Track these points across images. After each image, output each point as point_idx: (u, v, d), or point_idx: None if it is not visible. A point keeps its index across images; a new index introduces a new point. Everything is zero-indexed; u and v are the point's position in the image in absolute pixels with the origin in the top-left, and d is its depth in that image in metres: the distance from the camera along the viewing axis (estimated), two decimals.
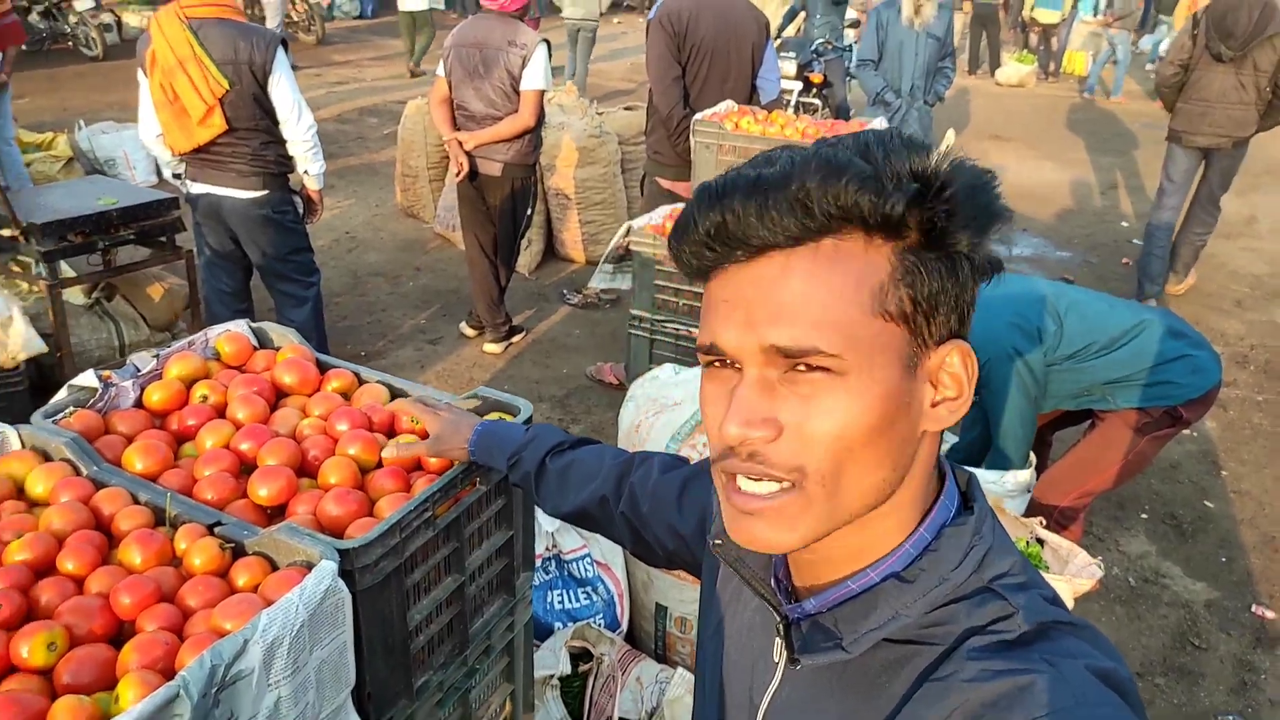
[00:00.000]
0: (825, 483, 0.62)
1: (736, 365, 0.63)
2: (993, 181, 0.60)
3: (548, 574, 2.49)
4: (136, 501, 1.30)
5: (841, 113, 8.36)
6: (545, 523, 2.39)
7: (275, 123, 3.38)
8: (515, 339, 4.65)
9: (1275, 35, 4.52)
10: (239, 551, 1.23)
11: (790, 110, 7.20)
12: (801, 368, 0.60)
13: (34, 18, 10.46)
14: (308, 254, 3.77)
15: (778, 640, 0.72)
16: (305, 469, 1.44)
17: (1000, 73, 12.99)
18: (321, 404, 1.55)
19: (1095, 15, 14.01)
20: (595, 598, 2.50)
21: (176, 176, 3.53)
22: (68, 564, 1.18)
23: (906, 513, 0.66)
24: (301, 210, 3.71)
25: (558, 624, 2.44)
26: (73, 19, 10.56)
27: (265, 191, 3.44)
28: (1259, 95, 4.66)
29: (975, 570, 0.64)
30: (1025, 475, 2.48)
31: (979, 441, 2.96)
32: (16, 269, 3.92)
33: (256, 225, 3.51)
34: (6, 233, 3.66)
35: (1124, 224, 7.08)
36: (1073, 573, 2.17)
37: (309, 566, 1.15)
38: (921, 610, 0.63)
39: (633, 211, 5.73)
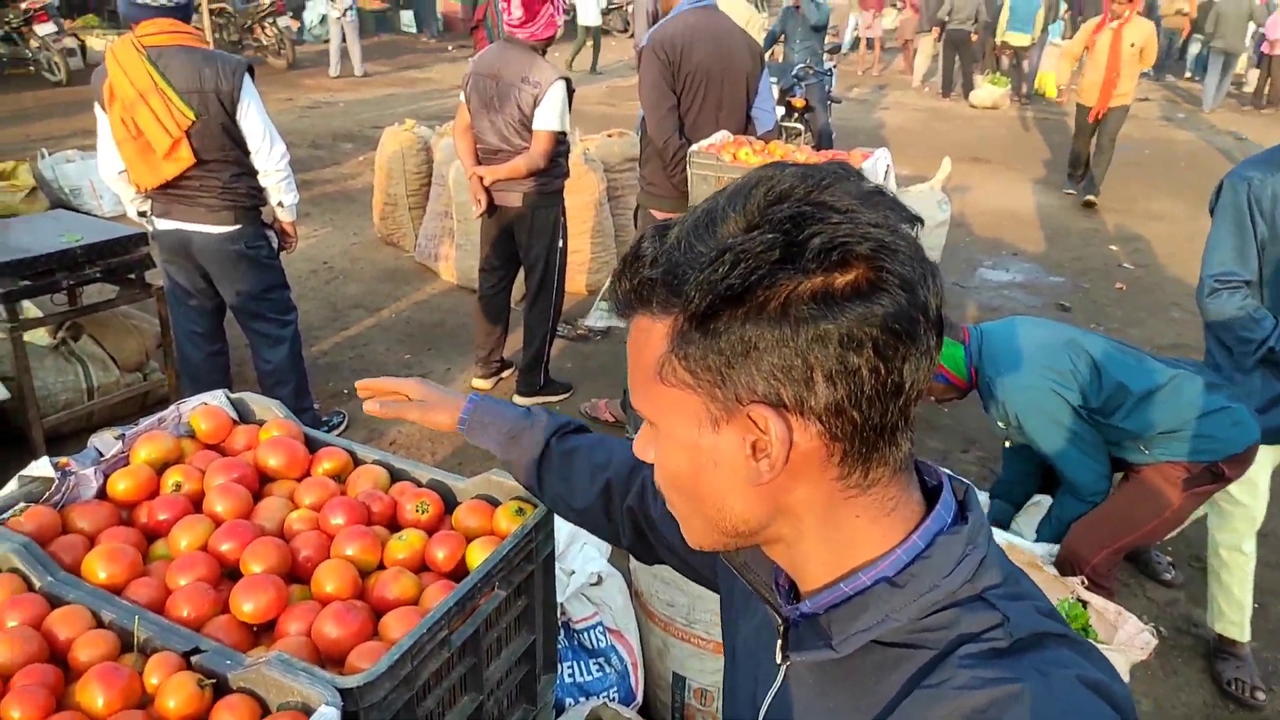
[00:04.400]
0: (675, 508, 0.72)
1: None
2: (747, 261, 0.59)
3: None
4: (100, 623, 1.11)
5: (824, 138, 8.29)
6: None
7: (245, 153, 3.17)
8: (505, 374, 4.46)
9: None
10: (221, 687, 1.04)
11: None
12: None
13: None
14: (284, 290, 3.57)
15: (778, 641, 0.74)
16: (296, 572, 1.25)
17: (974, 95, 13.04)
18: (313, 491, 1.36)
19: (1064, 39, 14.17)
20: (608, 669, 2.31)
21: (141, 214, 3.32)
22: (13, 714, 0.98)
23: (814, 546, 0.68)
24: (276, 244, 3.51)
25: (569, 700, 2.25)
26: (34, 44, 10.27)
27: (237, 226, 3.24)
28: None
29: (968, 579, 0.65)
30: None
31: (1020, 479, 2.88)
32: None
33: (229, 262, 3.30)
34: None
35: (1112, 247, 7.02)
36: (1124, 641, 2.02)
37: (306, 712, 0.97)
38: (913, 615, 0.64)
39: (620, 241, 5.58)
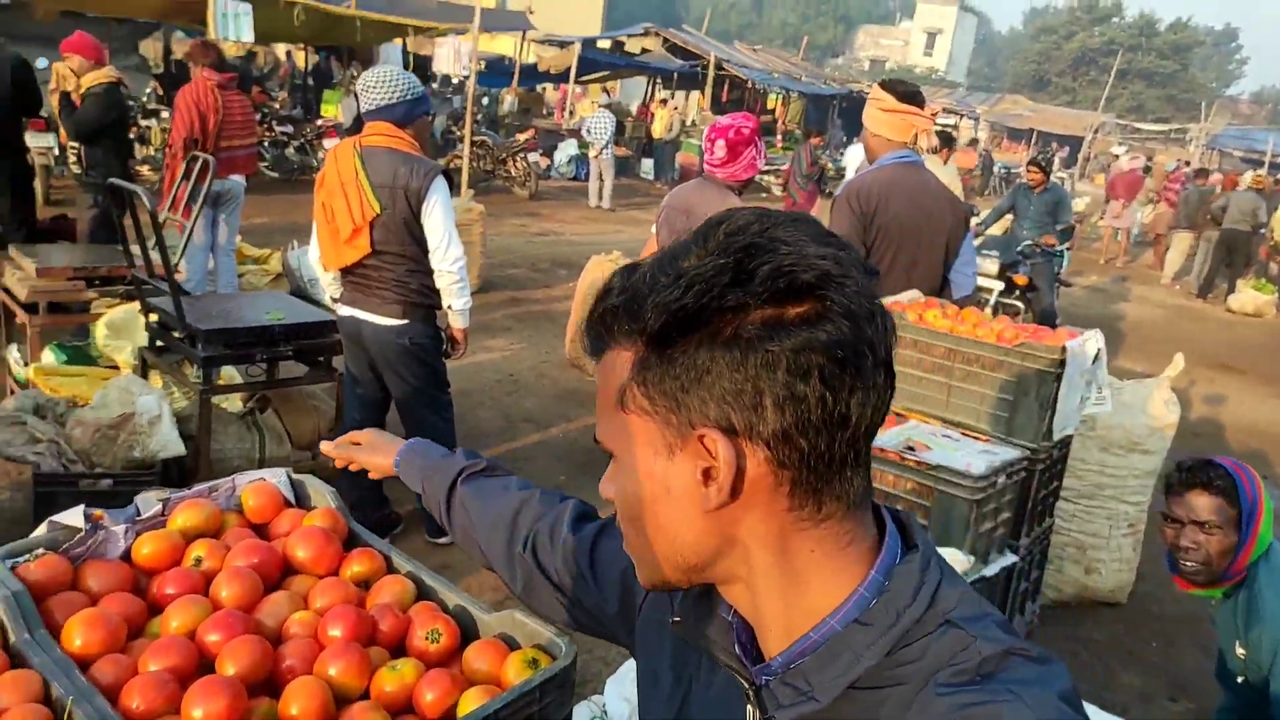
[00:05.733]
0: (630, 542, 0.74)
1: None
2: (700, 284, 0.62)
3: None
4: (46, 697, 1.00)
5: (1046, 319, 7.74)
6: None
7: (425, 252, 3.29)
8: None
9: None
10: None
11: (989, 310, 6.69)
12: None
13: (290, 151, 11.74)
14: (440, 392, 3.60)
15: (749, 707, 0.72)
16: (277, 681, 1.11)
17: (1234, 299, 11.89)
18: (328, 593, 1.23)
19: None
20: None
21: (336, 300, 3.52)
22: None
23: (770, 583, 0.68)
24: (444, 346, 3.57)
25: None
26: (321, 154, 11.77)
27: (405, 321, 3.33)
28: None
29: (930, 605, 0.66)
30: None
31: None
32: (189, 371, 4.03)
33: (394, 354, 3.39)
34: (176, 334, 3.76)
35: None
36: None
37: None
38: (883, 650, 0.64)
39: None
